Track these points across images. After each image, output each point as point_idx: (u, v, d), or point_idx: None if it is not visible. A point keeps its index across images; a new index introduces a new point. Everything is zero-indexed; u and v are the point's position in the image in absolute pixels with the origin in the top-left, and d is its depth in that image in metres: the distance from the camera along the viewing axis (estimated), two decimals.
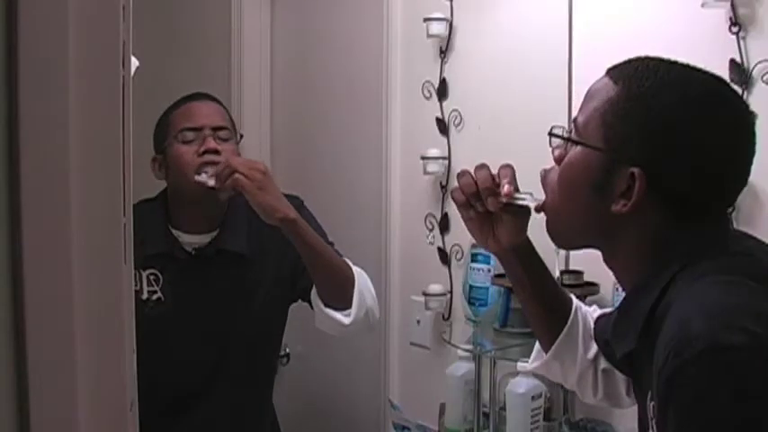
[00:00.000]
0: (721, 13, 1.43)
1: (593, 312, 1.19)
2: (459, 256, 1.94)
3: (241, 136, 1.78)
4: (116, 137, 0.64)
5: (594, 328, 1.15)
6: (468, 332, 1.82)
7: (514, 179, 1.11)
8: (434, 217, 2.01)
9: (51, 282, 0.60)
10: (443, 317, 1.98)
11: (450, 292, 1.96)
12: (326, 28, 2.31)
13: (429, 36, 1.94)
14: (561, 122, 1.68)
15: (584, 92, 1.74)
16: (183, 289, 1.68)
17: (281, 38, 2.48)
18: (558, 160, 1.00)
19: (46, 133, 0.59)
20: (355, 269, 1.68)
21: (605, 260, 1.02)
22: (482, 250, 1.78)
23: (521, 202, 1.09)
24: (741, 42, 1.41)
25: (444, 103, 1.97)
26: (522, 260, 1.15)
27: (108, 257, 0.64)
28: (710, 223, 0.93)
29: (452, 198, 1.16)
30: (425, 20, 1.92)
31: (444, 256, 1.99)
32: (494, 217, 1.12)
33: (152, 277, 1.67)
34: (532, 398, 1.57)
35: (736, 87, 1.41)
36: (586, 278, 1.63)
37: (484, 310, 1.77)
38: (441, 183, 1.98)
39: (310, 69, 2.38)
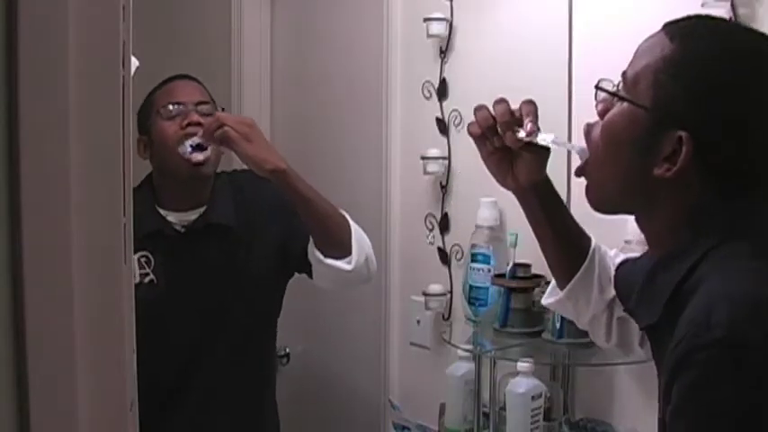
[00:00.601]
0: (721, 13, 1.42)
1: (614, 257, 1.17)
2: (459, 256, 1.94)
3: (222, 109, 1.78)
4: (116, 137, 0.64)
5: (615, 274, 1.11)
6: (468, 332, 1.82)
7: (537, 117, 1.08)
8: (434, 217, 2.01)
9: (51, 282, 0.60)
10: (443, 317, 1.98)
11: (451, 292, 1.96)
12: (326, 28, 2.31)
13: (429, 36, 1.94)
14: (561, 122, 1.68)
15: (584, 92, 1.74)
16: (175, 269, 1.67)
17: (281, 38, 2.48)
18: (603, 114, 0.96)
19: (46, 133, 0.59)
20: (350, 220, 1.68)
21: (639, 224, 0.99)
22: (482, 250, 1.78)
23: (543, 143, 1.06)
24: None
25: (444, 103, 1.97)
26: (541, 198, 1.13)
27: (108, 257, 0.64)
28: (754, 198, 0.90)
29: (468, 132, 1.13)
30: (425, 20, 1.92)
31: (444, 256, 1.99)
32: (513, 153, 1.10)
33: (143, 260, 1.66)
34: (532, 398, 1.57)
35: None
36: None
37: (484, 310, 1.77)
38: (441, 183, 1.98)
39: (310, 69, 2.38)
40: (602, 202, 1.01)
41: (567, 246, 1.15)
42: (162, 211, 1.70)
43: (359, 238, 1.65)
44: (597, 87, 0.97)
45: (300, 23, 2.42)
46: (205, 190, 1.71)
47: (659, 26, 1.54)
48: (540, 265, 1.69)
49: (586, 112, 1.65)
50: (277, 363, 1.99)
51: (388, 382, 2.13)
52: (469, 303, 1.80)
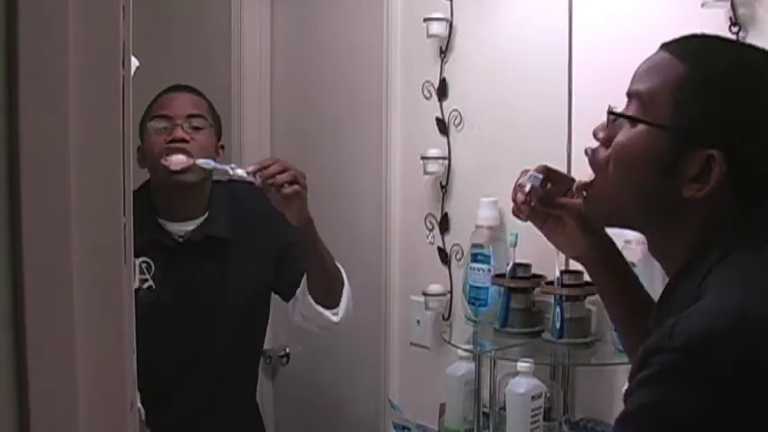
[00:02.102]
0: (721, 13, 1.43)
1: None
2: (459, 256, 1.94)
3: (222, 147, 1.79)
4: (116, 137, 0.64)
5: None
6: (468, 332, 1.82)
7: (526, 175, 1.10)
8: (434, 217, 2.01)
9: (51, 282, 0.60)
10: (443, 317, 1.98)
11: (450, 292, 1.96)
12: (326, 28, 2.31)
13: (429, 36, 1.94)
14: (561, 122, 1.68)
15: (584, 92, 1.74)
16: (173, 277, 1.70)
17: (281, 38, 2.48)
18: (608, 139, 0.94)
19: (46, 133, 0.59)
20: (343, 271, 1.75)
21: (653, 242, 0.98)
22: (482, 250, 1.78)
23: (528, 186, 1.08)
24: None
25: (444, 103, 1.97)
26: (599, 269, 1.11)
27: (108, 257, 0.64)
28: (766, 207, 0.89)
29: (517, 217, 1.15)
30: (425, 20, 1.92)
31: (444, 256, 1.99)
32: (561, 222, 1.10)
33: (144, 265, 1.69)
34: (532, 398, 1.57)
35: None
36: (587, 278, 1.62)
37: (484, 310, 1.77)
38: (441, 183, 1.98)
39: (310, 69, 2.38)
40: (606, 216, 1.01)
41: (633, 315, 1.09)
42: (160, 221, 1.72)
43: (348, 295, 1.74)
44: (611, 113, 0.95)
45: (300, 23, 2.42)
46: (199, 201, 1.73)
47: (659, 26, 1.55)
48: (539, 265, 1.70)
49: (586, 111, 1.66)
50: (260, 360, 2.01)
51: (388, 382, 2.13)
52: (469, 303, 1.80)
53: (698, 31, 1.46)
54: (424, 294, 1.93)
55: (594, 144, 0.98)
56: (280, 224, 1.66)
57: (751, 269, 0.83)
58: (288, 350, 2.38)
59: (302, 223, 1.60)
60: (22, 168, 0.58)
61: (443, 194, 1.98)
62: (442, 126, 1.97)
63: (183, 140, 1.66)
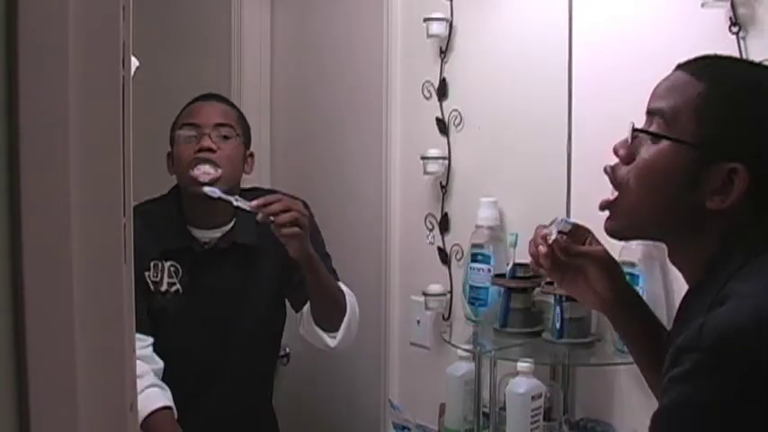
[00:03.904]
0: (721, 13, 1.43)
1: None
2: (459, 256, 1.94)
3: (251, 155, 1.83)
4: (116, 137, 0.64)
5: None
6: (468, 332, 1.82)
7: (549, 227, 1.12)
8: (434, 217, 2.00)
9: (51, 282, 0.60)
10: (443, 317, 1.98)
11: (450, 292, 1.96)
12: (326, 28, 2.31)
13: (429, 36, 1.94)
14: (561, 122, 1.68)
15: (584, 92, 1.74)
16: (199, 282, 1.75)
17: (281, 38, 2.48)
18: (629, 156, 0.98)
19: (46, 133, 0.59)
20: (348, 298, 1.78)
21: (674, 252, 1.01)
22: (482, 250, 1.78)
23: (554, 235, 1.09)
24: (741, 42, 1.41)
25: (444, 103, 1.97)
26: (625, 310, 1.12)
27: (108, 257, 0.64)
28: None
29: (536, 271, 1.18)
30: (425, 20, 1.92)
31: (444, 256, 1.99)
32: (581, 273, 1.12)
33: (172, 269, 1.74)
34: (532, 398, 1.57)
35: None
36: None
37: (484, 310, 1.77)
38: (441, 183, 1.98)
39: (310, 70, 2.38)
40: (631, 230, 1.04)
41: (659, 361, 1.12)
42: (189, 228, 1.76)
43: (350, 321, 1.76)
44: (635, 130, 0.99)
45: (300, 24, 2.42)
46: (226, 209, 1.75)
47: (659, 26, 1.55)
48: None
49: (586, 111, 1.66)
50: (278, 362, 2.06)
51: (388, 382, 2.13)
52: (469, 303, 1.80)
53: (698, 31, 1.47)
54: (424, 294, 1.93)
55: (614, 160, 1.01)
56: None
57: (764, 277, 0.86)
58: (288, 350, 2.38)
59: (302, 259, 1.63)
60: (22, 168, 0.58)
61: (443, 194, 1.98)
62: (442, 126, 1.97)
63: (211, 150, 1.69)
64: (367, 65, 2.13)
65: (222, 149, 1.71)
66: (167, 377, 1.67)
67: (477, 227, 1.80)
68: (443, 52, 1.96)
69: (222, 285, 1.76)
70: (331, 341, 1.76)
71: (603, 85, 1.63)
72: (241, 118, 1.81)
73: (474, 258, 1.80)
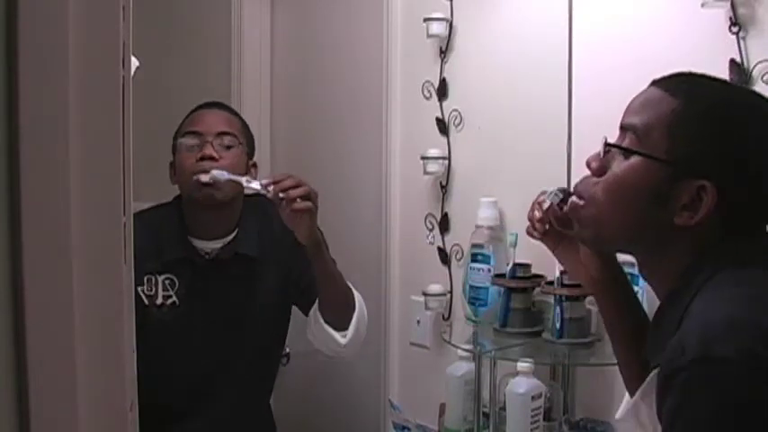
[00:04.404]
0: (721, 13, 1.43)
1: None
2: (459, 256, 1.94)
3: (254, 165, 1.79)
4: (116, 137, 0.64)
5: None
6: (468, 332, 1.82)
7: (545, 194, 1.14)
8: (434, 217, 2.01)
9: (51, 282, 0.60)
10: (443, 317, 1.98)
11: (450, 292, 1.96)
12: (326, 28, 2.31)
13: (429, 36, 1.94)
14: (561, 122, 1.68)
15: (584, 92, 1.74)
16: (198, 293, 1.72)
17: (281, 38, 2.48)
18: (601, 170, 1.00)
19: (46, 133, 0.59)
20: (357, 296, 1.75)
21: (644, 266, 1.02)
22: (482, 250, 1.78)
23: (547, 203, 1.12)
24: (741, 42, 1.41)
25: (444, 103, 1.97)
26: (608, 297, 1.14)
27: (108, 257, 0.64)
28: (755, 231, 0.95)
29: (532, 235, 1.19)
30: (425, 20, 1.92)
31: (444, 256, 1.99)
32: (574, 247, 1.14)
33: (167, 282, 1.71)
34: (532, 398, 1.57)
35: None
36: None
37: (484, 310, 1.77)
38: (441, 183, 1.98)
39: (310, 69, 2.38)
40: (598, 241, 1.06)
41: (636, 351, 1.11)
42: (190, 239, 1.73)
43: (360, 318, 1.73)
44: (607, 144, 1.00)
45: (300, 24, 2.42)
46: (228, 219, 1.73)
47: (659, 26, 1.55)
48: (539, 265, 1.70)
49: (586, 111, 1.66)
50: (279, 366, 2.03)
51: (388, 382, 2.13)
52: (469, 303, 1.80)
53: (698, 31, 1.47)
54: (424, 294, 1.93)
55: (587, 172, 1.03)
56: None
57: (734, 286, 0.87)
58: (288, 350, 2.37)
59: (310, 242, 1.60)
60: (22, 168, 0.58)
61: (443, 194, 1.98)
62: (442, 126, 1.97)
63: (213, 158, 1.65)
64: (367, 65, 2.13)
65: (224, 158, 1.67)
66: (165, 388, 1.65)
67: (477, 227, 1.80)
68: (443, 52, 1.96)
69: (223, 296, 1.73)
70: (342, 339, 1.71)
71: (603, 85, 1.63)
72: (244, 127, 1.78)
73: (474, 258, 1.80)
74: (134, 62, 0.74)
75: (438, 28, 1.92)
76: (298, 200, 1.53)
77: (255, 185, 1.57)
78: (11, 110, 0.58)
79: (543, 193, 1.15)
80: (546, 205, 1.12)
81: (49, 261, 0.60)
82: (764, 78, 1.39)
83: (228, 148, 1.69)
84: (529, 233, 1.18)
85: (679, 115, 0.93)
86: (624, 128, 0.99)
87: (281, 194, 1.53)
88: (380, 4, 2.07)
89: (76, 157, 0.60)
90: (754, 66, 1.40)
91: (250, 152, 1.78)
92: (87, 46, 0.61)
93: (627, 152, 0.97)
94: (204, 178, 1.63)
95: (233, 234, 1.74)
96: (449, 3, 1.92)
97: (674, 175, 0.92)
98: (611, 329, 1.16)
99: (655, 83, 0.99)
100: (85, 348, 0.61)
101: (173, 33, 2.62)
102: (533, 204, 1.16)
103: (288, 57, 2.46)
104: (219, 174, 1.62)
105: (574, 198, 1.05)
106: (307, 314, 1.78)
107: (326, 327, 1.71)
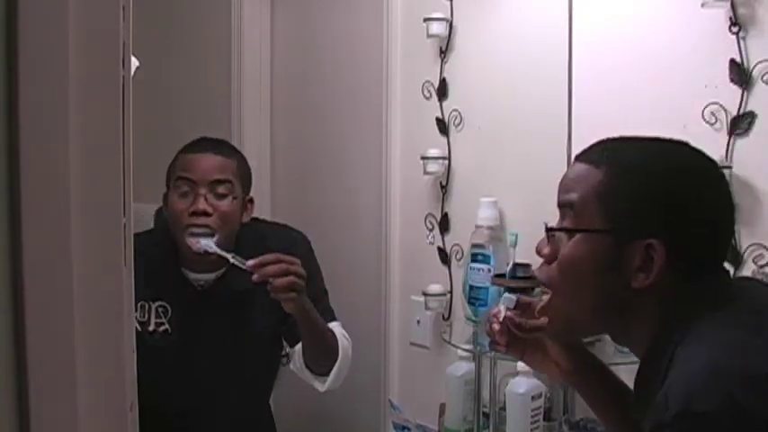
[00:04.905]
0: (721, 13, 1.43)
1: None
2: (459, 256, 1.94)
3: (251, 201, 1.77)
4: (116, 137, 0.64)
5: None
6: (468, 332, 1.82)
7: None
8: (434, 217, 2.01)
9: (51, 282, 0.60)
10: (443, 317, 1.98)
11: (450, 292, 1.96)
12: (326, 28, 2.31)
13: (429, 36, 1.94)
14: (561, 122, 1.68)
15: (584, 92, 1.74)
16: (191, 322, 1.71)
17: (281, 38, 2.48)
18: (553, 255, 1.01)
19: (46, 133, 0.59)
20: (341, 343, 1.73)
21: (616, 338, 1.04)
22: (482, 250, 1.78)
23: (503, 311, 1.13)
24: (741, 42, 1.41)
25: (444, 103, 1.97)
26: (586, 381, 1.15)
27: (108, 258, 0.64)
28: (715, 277, 0.96)
29: (497, 349, 1.21)
30: (425, 20, 1.92)
31: (444, 256, 1.99)
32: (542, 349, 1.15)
33: (160, 309, 1.71)
34: (532, 398, 1.57)
35: (735, 87, 1.42)
36: None
37: (484, 310, 1.77)
38: (441, 183, 1.98)
39: (310, 70, 2.38)
40: (570, 330, 1.07)
41: (629, 425, 1.11)
42: (183, 270, 1.72)
43: (341, 368, 1.72)
44: (549, 229, 1.01)
45: (300, 24, 2.42)
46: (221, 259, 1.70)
47: (659, 26, 1.55)
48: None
49: (586, 111, 1.66)
50: (274, 384, 2.02)
51: (388, 382, 2.13)
52: (469, 303, 1.80)
53: (698, 31, 1.47)
54: (424, 294, 1.93)
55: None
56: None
57: (714, 331, 0.87)
58: (288, 350, 2.38)
59: (296, 314, 1.60)
60: (22, 168, 0.58)
61: (443, 194, 1.98)
62: (442, 126, 1.97)
63: (206, 213, 1.63)
64: (367, 65, 2.13)
65: (218, 209, 1.65)
66: (155, 416, 1.62)
67: (477, 227, 1.80)
68: (443, 52, 1.96)
69: (216, 325, 1.72)
70: (320, 386, 1.73)
71: (603, 85, 1.63)
72: (240, 167, 1.73)
73: (474, 258, 1.79)
74: (134, 62, 0.74)
75: (438, 28, 1.92)
76: (282, 290, 1.53)
77: (241, 265, 1.55)
78: (11, 110, 0.58)
79: (494, 308, 1.17)
80: (501, 315, 1.13)
81: (49, 261, 0.60)
82: (764, 78, 1.39)
83: (223, 197, 1.66)
84: (492, 348, 1.20)
85: (606, 184, 0.95)
86: (561, 206, 1.01)
87: (266, 279, 1.52)
88: (380, 4, 2.07)
89: (76, 157, 0.60)
90: (754, 66, 1.40)
91: (246, 190, 1.74)
92: (87, 46, 0.61)
93: (568, 232, 0.98)
94: (194, 248, 1.62)
95: (225, 267, 1.70)
96: (449, 3, 1.92)
97: (619, 242, 0.94)
98: (602, 412, 1.17)
99: (578, 157, 1.01)
100: (85, 348, 0.61)
101: (173, 33, 2.62)
102: (490, 317, 1.16)
103: (288, 57, 2.46)
104: (207, 245, 1.61)
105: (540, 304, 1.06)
106: (291, 347, 1.78)
107: (307, 372, 1.73)
